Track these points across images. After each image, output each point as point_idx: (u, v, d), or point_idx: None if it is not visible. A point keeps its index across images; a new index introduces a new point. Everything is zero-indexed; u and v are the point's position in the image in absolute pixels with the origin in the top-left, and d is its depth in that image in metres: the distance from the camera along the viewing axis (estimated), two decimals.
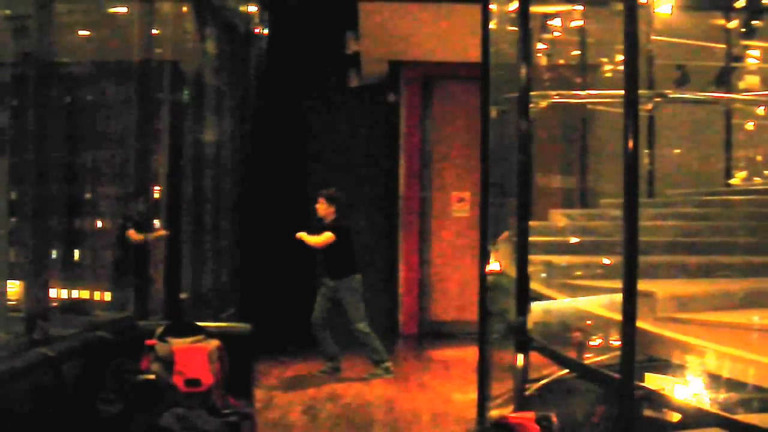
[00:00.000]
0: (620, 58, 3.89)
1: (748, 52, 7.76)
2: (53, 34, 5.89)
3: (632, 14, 3.59)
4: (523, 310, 4.63)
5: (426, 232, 10.25)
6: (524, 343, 4.60)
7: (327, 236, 7.74)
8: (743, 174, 7.91)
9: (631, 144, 3.47)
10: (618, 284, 3.51)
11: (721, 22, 7.80)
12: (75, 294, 6.99)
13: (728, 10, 7.68)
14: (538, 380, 5.49)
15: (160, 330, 4.37)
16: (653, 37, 7.32)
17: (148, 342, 4.30)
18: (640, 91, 3.80)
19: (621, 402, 3.52)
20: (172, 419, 3.87)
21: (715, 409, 3.76)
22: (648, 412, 3.93)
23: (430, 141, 10.33)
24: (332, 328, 7.74)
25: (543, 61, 7.39)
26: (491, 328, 5.64)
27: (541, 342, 4.63)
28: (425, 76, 10.29)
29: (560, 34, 7.46)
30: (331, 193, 7.90)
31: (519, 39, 4.91)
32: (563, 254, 5.85)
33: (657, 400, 3.79)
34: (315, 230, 7.83)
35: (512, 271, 4.94)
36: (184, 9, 7.19)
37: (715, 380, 3.86)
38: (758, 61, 7.79)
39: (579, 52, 7.79)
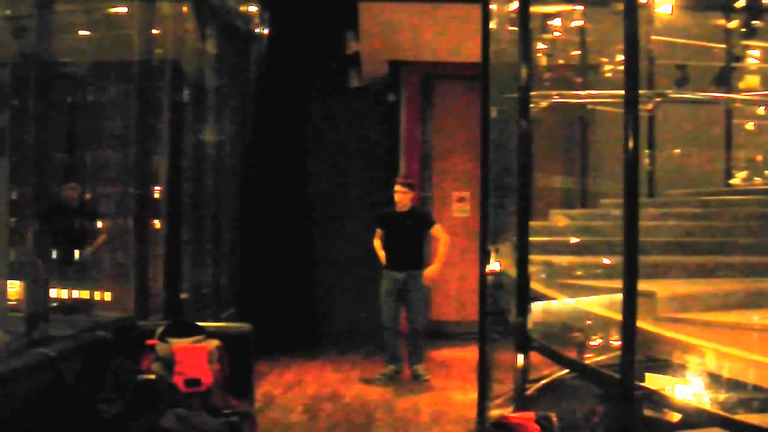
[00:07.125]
0: (620, 58, 3.89)
1: (748, 52, 7.77)
2: (53, 34, 5.89)
3: (632, 14, 3.59)
4: (523, 310, 4.63)
5: None
6: (524, 343, 4.61)
7: (440, 230, 7.45)
8: (743, 174, 7.91)
9: (631, 144, 3.47)
10: (618, 284, 3.51)
11: (721, 22, 7.80)
12: (75, 294, 6.99)
13: (728, 10, 7.68)
14: (538, 380, 5.50)
15: (160, 330, 4.38)
16: (653, 37, 7.33)
17: (148, 342, 4.31)
18: (640, 91, 3.80)
19: (621, 402, 3.52)
20: (172, 419, 3.86)
21: (715, 409, 3.76)
22: (648, 412, 3.93)
23: (430, 141, 10.32)
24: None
25: (543, 61, 7.39)
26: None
27: (541, 342, 4.63)
28: (425, 76, 10.28)
29: (560, 34, 7.47)
30: (410, 180, 7.55)
31: (519, 39, 4.91)
32: (563, 254, 5.85)
33: (657, 400, 3.79)
34: (389, 220, 7.48)
35: (512, 271, 4.95)
36: (184, 9, 7.18)
37: (715, 380, 3.87)
38: (758, 61, 7.80)
39: (579, 52, 7.80)
